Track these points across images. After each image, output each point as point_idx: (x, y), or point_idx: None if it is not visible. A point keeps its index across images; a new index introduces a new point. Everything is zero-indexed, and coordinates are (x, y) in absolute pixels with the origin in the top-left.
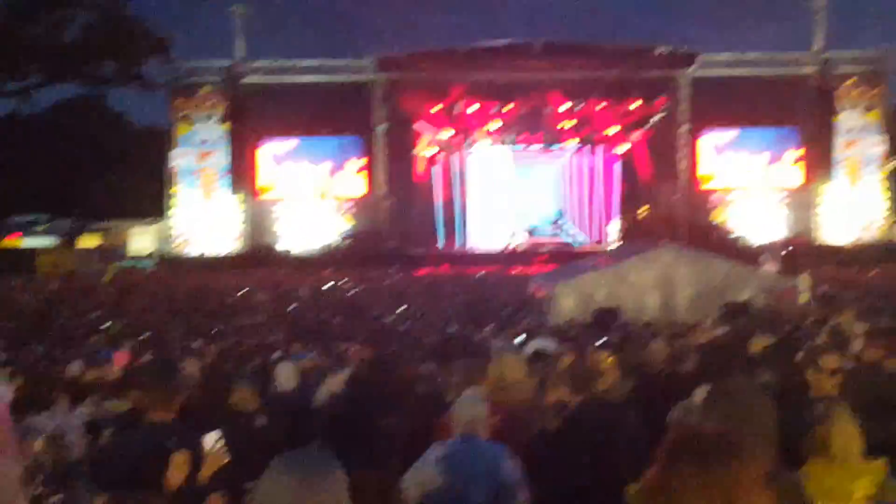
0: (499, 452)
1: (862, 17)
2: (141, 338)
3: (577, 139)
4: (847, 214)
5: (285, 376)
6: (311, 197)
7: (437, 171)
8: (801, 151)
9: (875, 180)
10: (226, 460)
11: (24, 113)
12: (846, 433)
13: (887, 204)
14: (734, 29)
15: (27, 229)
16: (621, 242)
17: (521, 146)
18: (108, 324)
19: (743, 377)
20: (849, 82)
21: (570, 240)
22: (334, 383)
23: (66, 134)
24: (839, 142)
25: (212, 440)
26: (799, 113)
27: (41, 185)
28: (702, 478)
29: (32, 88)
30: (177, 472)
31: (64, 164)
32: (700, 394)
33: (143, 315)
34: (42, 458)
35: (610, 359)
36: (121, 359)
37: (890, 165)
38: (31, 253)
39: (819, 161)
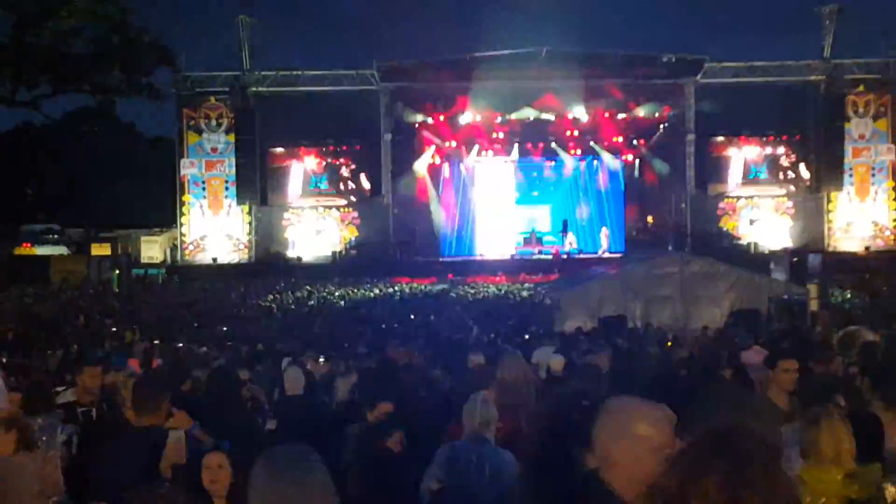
0: (506, 454)
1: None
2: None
3: (581, 149)
4: (857, 222)
5: (293, 380)
6: (317, 205)
7: (441, 180)
8: (811, 158)
9: (884, 188)
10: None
11: (37, 123)
12: (837, 437)
13: None
14: (741, 37)
15: (39, 238)
16: (628, 251)
17: (526, 156)
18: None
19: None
20: (858, 89)
21: (575, 249)
22: (342, 388)
23: (77, 143)
24: (849, 149)
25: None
26: (808, 120)
27: (52, 194)
28: (750, 478)
29: (42, 98)
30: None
31: (75, 173)
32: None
33: (155, 322)
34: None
35: None
36: (135, 365)
37: None
38: (46, 260)
39: (829, 168)
